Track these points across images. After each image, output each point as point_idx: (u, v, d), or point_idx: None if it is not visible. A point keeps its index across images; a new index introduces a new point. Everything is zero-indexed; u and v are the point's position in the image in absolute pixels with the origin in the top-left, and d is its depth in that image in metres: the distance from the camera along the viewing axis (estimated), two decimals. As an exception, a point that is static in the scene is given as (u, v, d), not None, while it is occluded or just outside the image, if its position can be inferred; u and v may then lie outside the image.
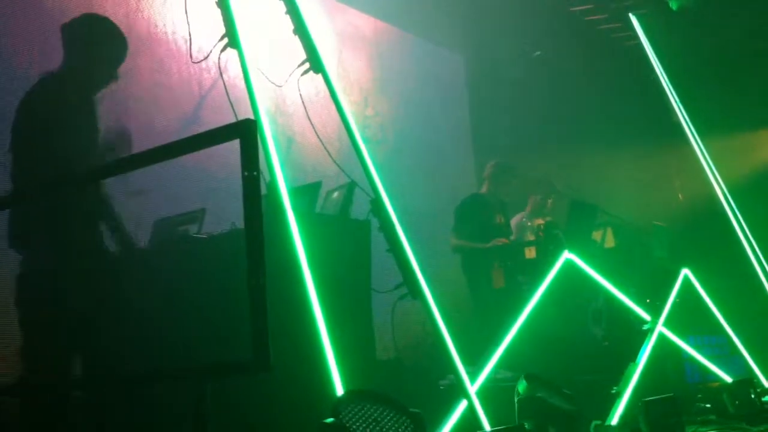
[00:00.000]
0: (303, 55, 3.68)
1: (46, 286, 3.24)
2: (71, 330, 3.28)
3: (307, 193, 3.91)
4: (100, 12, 4.94)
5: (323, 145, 3.63)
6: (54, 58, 3.56)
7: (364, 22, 7.48)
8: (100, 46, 3.55)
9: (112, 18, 3.78)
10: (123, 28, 3.66)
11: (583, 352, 5.26)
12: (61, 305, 3.21)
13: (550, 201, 6.49)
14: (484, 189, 6.19)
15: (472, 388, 3.47)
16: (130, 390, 3.30)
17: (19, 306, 3.31)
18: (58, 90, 3.43)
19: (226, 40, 3.48)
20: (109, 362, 3.35)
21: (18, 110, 3.41)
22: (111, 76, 3.59)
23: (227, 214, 3.77)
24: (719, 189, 6.72)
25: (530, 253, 5.55)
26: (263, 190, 2.81)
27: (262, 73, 3.58)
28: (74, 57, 3.51)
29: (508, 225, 6.19)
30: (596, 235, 6.01)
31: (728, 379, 5.29)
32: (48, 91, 3.43)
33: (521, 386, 3.38)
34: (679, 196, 7.82)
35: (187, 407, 2.15)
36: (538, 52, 7.82)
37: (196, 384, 2.10)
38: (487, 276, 5.68)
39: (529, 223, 6.41)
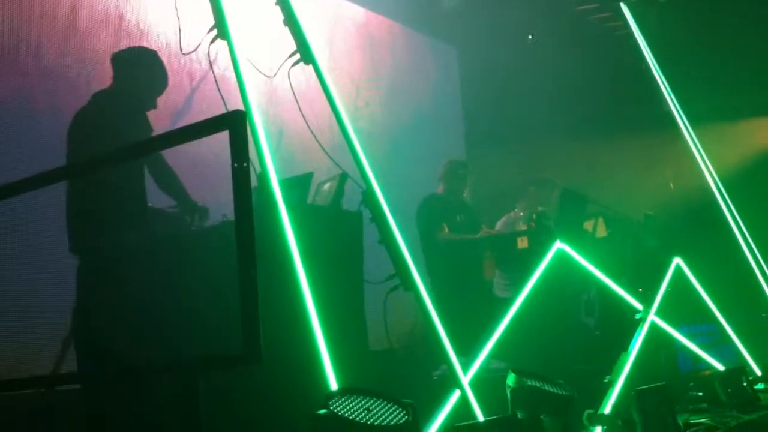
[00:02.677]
0: (293, 46, 3.66)
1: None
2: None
3: (298, 184, 3.90)
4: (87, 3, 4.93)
5: (314, 136, 3.62)
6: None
7: (355, 13, 7.45)
8: (145, 72, 3.91)
9: (101, 8, 3.81)
10: (112, 19, 3.66)
11: (575, 341, 5.27)
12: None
13: (555, 193, 6.41)
14: (440, 189, 6.09)
15: (465, 379, 3.48)
16: (122, 383, 3.29)
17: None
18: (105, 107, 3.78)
19: (215, 31, 3.46)
20: (105, 355, 3.36)
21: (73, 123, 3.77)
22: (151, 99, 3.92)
23: (218, 206, 3.75)
24: (710, 178, 6.73)
25: (522, 243, 5.54)
26: (254, 182, 2.80)
27: (252, 64, 3.56)
28: (122, 80, 3.86)
29: (473, 222, 6.11)
30: (588, 225, 6.01)
31: (720, 367, 5.31)
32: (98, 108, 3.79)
33: (510, 380, 3.38)
34: (671, 185, 7.82)
35: (179, 400, 2.14)
36: (531, 36, 7.81)
37: (187, 377, 2.09)
38: (478, 267, 5.66)
39: (522, 213, 6.38)
